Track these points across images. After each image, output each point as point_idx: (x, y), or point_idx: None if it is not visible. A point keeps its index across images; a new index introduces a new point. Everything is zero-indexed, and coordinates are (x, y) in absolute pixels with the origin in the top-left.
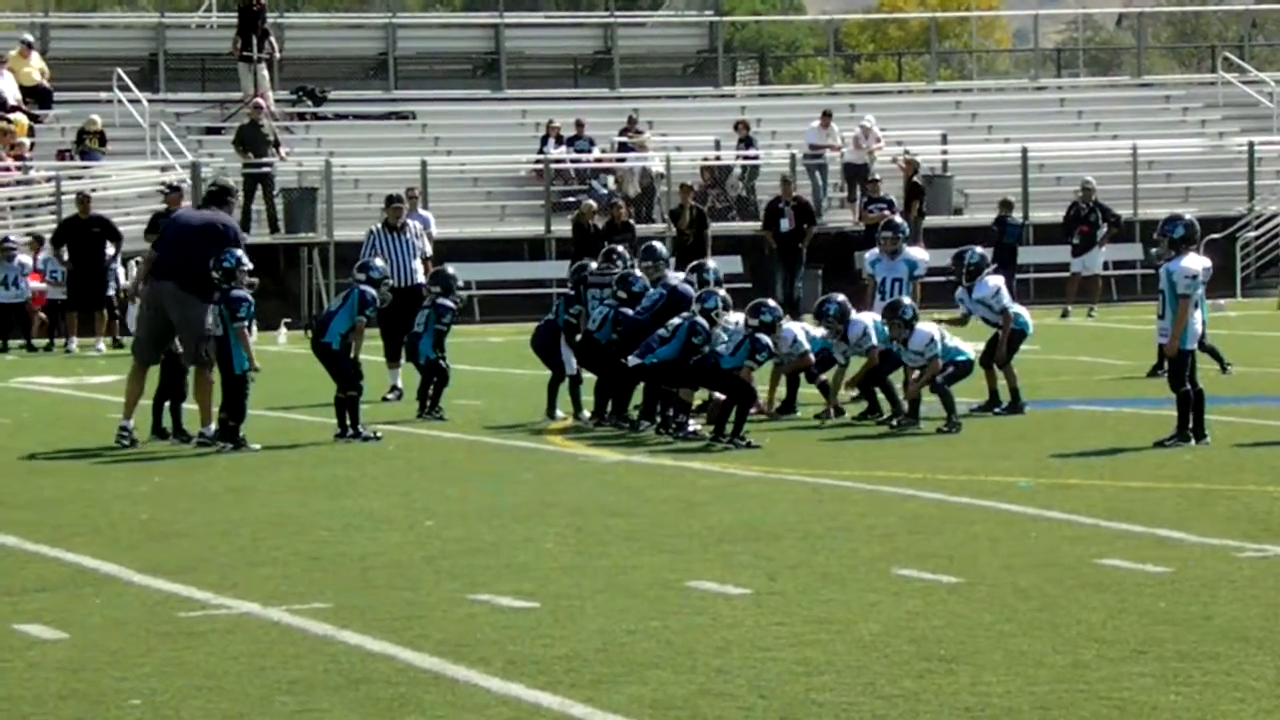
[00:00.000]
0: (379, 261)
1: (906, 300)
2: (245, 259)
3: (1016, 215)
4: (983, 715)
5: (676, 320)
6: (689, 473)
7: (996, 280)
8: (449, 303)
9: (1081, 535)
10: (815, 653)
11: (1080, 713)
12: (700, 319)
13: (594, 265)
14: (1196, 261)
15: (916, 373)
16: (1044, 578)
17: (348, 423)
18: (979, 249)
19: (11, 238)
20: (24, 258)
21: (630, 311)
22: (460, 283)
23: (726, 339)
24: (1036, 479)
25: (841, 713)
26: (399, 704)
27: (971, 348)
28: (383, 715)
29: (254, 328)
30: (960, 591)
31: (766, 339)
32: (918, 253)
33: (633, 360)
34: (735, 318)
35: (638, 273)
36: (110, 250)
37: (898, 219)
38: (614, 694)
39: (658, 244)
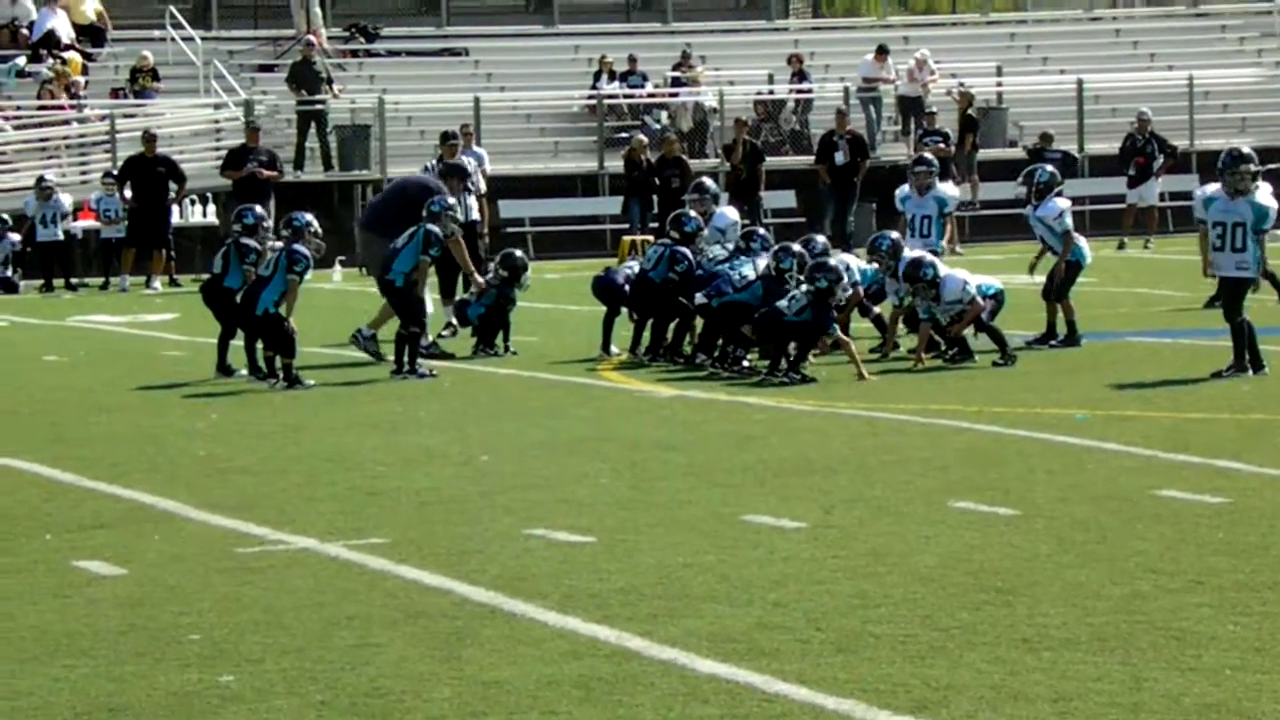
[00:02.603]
0: (450, 200)
1: (926, 258)
2: (315, 223)
3: (1057, 147)
4: (1040, 646)
5: (751, 274)
6: (744, 407)
7: (1064, 202)
8: (513, 294)
9: (1139, 467)
10: (871, 585)
11: (1138, 643)
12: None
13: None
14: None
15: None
16: (1101, 509)
17: (405, 360)
18: (1049, 167)
19: (48, 176)
20: (63, 197)
21: (686, 250)
22: (529, 274)
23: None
24: (1093, 411)
25: (898, 645)
26: (457, 637)
27: (999, 280)
28: (441, 648)
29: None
30: (1017, 524)
31: (831, 303)
32: (948, 189)
33: (700, 299)
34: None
35: (691, 212)
36: (172, 190)
37: (928, 154)
38: (671, 627)
39: (707, 179)
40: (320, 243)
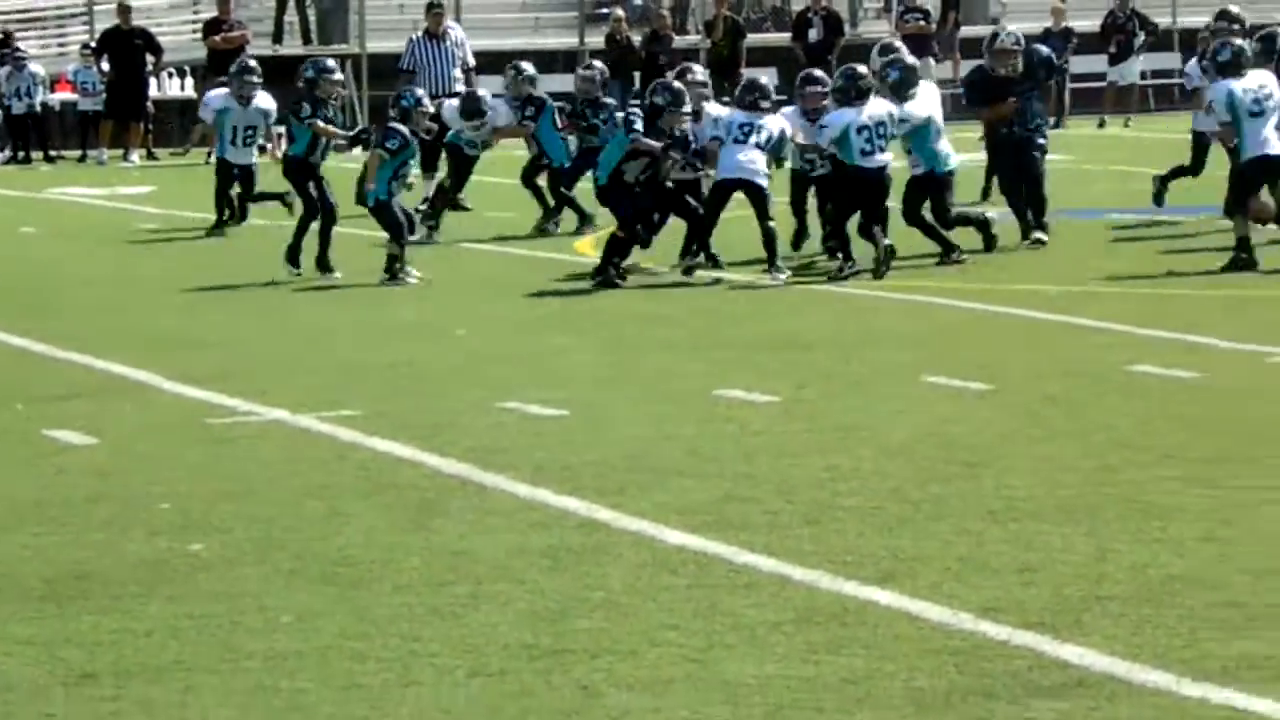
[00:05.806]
0: (419, 92)
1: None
2: (426, 101)
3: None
4: (1007, 518)
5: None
6: (721, 282)
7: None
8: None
9: (1112, 342)
10: (842, 458)
11: (1104, 515)
12: None
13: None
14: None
15: None
16: (1073, 384)
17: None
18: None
19: (21, 47)
20: (35, 67)
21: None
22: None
23: None
24: (1068, 287)
25: (866, 517)
26: (426, 508)
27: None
28: (411, 519)
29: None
30: (989, 398)
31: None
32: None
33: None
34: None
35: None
36: (150, 63)
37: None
38: (640, 500)
39: (696, 66)
40: (431, 124)
